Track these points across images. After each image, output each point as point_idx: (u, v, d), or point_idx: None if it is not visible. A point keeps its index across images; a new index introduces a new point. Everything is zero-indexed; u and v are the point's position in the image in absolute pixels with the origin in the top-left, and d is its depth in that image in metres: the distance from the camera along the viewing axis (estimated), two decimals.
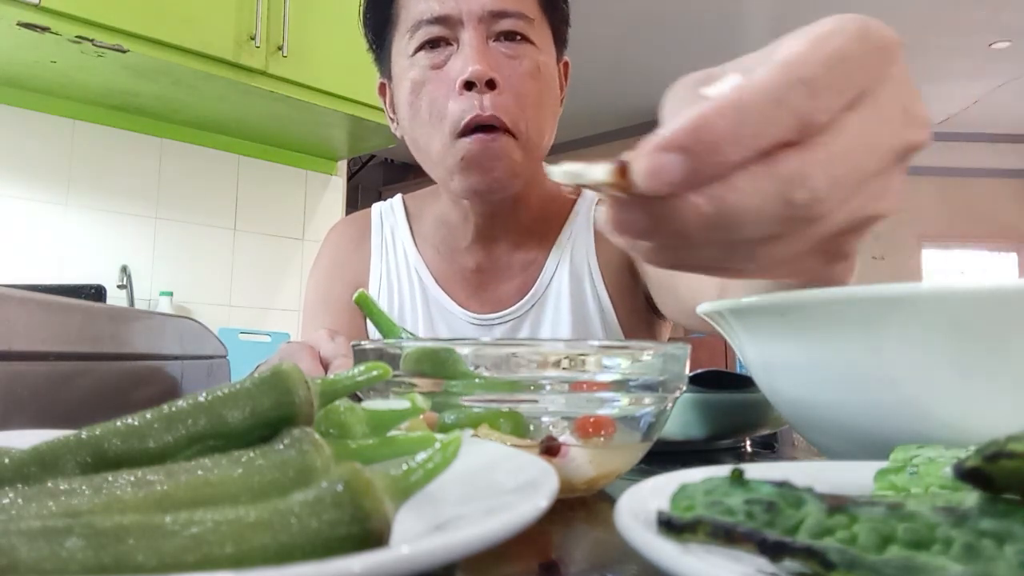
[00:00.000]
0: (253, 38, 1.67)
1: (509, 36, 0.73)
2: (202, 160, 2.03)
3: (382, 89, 0.84)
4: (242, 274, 2.10)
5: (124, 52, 1.52)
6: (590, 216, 0.84)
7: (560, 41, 0.80)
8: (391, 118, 0.84)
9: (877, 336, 0.31)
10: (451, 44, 0.72)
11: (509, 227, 0.82)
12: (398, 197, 0.93)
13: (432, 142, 0.73)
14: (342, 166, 2.34)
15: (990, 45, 4.53)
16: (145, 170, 1.93)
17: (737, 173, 0.22)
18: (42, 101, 1.77)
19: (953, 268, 6.61)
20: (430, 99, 0.72)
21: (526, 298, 0.82)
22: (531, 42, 0.74)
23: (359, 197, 6.97)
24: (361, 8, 0.81)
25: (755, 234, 0.23)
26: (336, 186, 2.32)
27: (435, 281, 0.85)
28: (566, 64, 0.83)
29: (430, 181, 0.85)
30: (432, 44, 0.73)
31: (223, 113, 1.90)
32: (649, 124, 6.46)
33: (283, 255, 2.19)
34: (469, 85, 0.69)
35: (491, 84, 0.69)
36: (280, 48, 1.72)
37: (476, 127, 0.70)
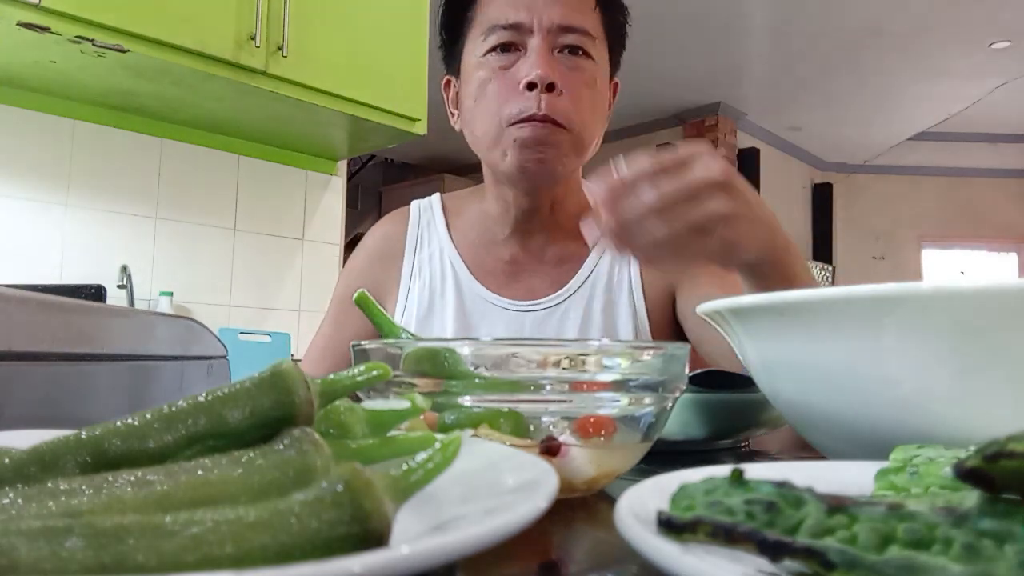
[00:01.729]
0: (253, 38, 1.67)
1: (572, 50, 0.80)
2: (202, 160, 2.03)
3: (447, 85, 0.92)
4: (242, 274, 2.10)
5: (124, 52, 1.52)
6: None
7: (614, 62, 0.89)
8: (452, 112, 0.91)
9: (877, 336, 0.31)
10: (519, 50, 0.80)
11: (546, 223, 0.88)
12: (436, 196, 1.00)
13: (490, 128, 0.81)
14: (342, 166, 2.34)
15: (990, 45, 4.53)
16: (145, 170, 1.93)
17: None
18: (42, 101, 1.77)
19: (953, 268, 6.61)
20: (495, 94, 0.80)
21: (560, 291, 0.88)
22: (591, 57, 0.81)
23: (359, 197, 6.96)
24: (441, 8, 0.89)
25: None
26: (336, 186, 2.32)
27: (469, 271, 0.90)
28: (615, 85, 0.91)
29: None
30: (503, 48, 0.80)
31: (223, 113, 1.90)
32: (650, 124, 6.35)
33: (283, 255, 2.19)
34: (531, 86, 0.77)
35: (551, 87, 0.77)
36: (280, 48, 1.72)
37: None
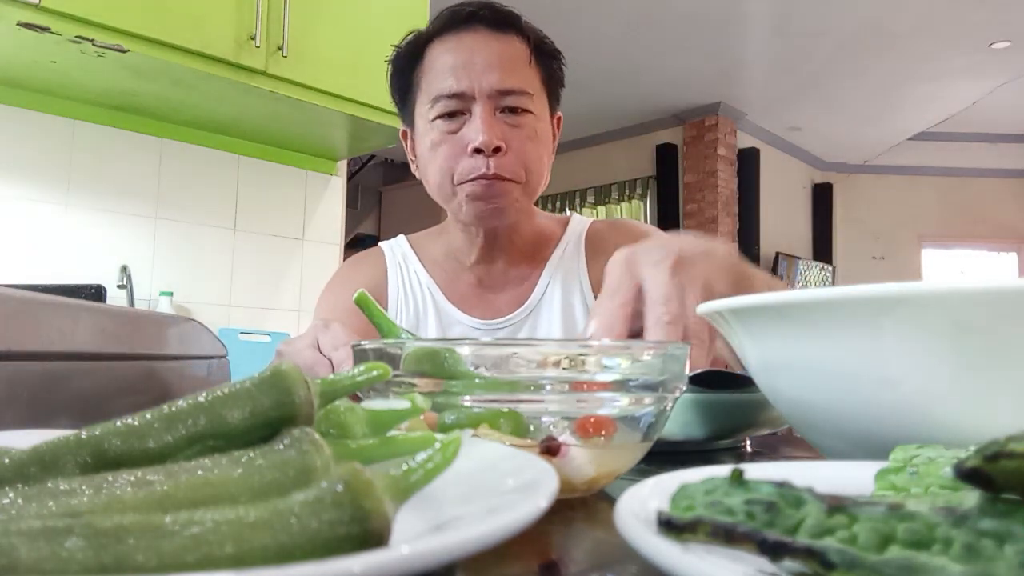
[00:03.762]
0: (253, 38, 1.66)
1: (513, 109, 0.87)
2: (202, 160, 2.02)
3: (404, 135, 0.99)
4: (242, 274, 2.09)
5: (124, 52, 1.52)
6: (580, 245, 1.00)
7: (555, 101, 0.95)
8: (411, 160, 0.98)
9: (877, 336, 0.31)
10: (465, 114, 0.86)
11: (506, 249, 0.96)
12: (401, 237, 1.07)
13: (444, 184, 0.88)
14: (342, 166, 2.34)
15: (990, 45, 4.53)
16: (145, 170, 1.93)
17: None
18: (42, 101, 1.77)
19: (953, 268, 6.61)
20: (446, 156, 0.87)
21: (522, 307, 0.96)
22: (531, 112, 0.88)
23: (359, 197, 6.95)
24: (388, 73, 0.97)
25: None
26: (336, 186, 2.31)
27: (444, 296, 0.99)
28: (559, 119, 0.97)
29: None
30: (450, 114, 0.87)
31: (223, 113, 1.90)
32: (650, 124, 6.34)
33: (283, 255, 2.18)
34: (478, 150, 0.84)
35: (497, 149, 0.84)
36: (280, 48, 1.71)
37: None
